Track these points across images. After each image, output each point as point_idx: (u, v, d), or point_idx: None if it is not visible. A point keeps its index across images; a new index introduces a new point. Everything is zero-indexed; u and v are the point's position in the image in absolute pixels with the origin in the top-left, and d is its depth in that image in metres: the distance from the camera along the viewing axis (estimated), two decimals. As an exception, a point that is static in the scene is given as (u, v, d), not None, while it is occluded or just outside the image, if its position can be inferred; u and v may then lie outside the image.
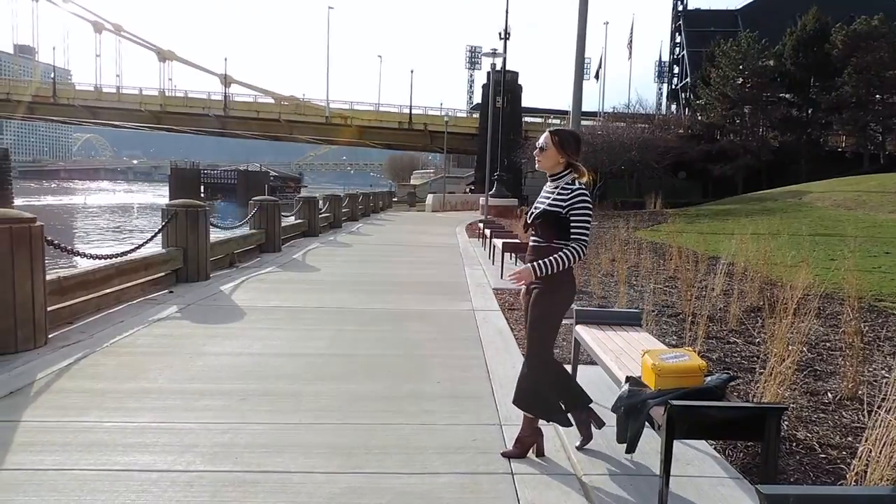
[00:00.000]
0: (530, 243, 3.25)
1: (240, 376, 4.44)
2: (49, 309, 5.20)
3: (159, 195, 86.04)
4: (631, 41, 71.19)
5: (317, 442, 3.36)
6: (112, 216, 47.72)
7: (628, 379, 2.87)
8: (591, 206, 3.13)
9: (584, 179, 3.22)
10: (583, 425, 3.34)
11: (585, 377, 4.42)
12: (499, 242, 10.36)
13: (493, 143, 25.88)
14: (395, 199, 43.37)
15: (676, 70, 76.12)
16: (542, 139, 3.22)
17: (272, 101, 61.89)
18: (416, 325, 6.20)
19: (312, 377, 4.49)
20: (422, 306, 7.16)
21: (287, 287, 8.36)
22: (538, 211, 3.17)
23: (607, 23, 58.31)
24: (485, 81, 49.20)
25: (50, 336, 5.18)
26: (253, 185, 66.46)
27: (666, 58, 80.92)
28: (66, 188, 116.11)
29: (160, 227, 8.10)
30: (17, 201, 58.86)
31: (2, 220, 4.72)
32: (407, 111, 58.09)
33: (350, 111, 59.41)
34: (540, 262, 3.08)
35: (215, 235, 9.55)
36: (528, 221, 3.24)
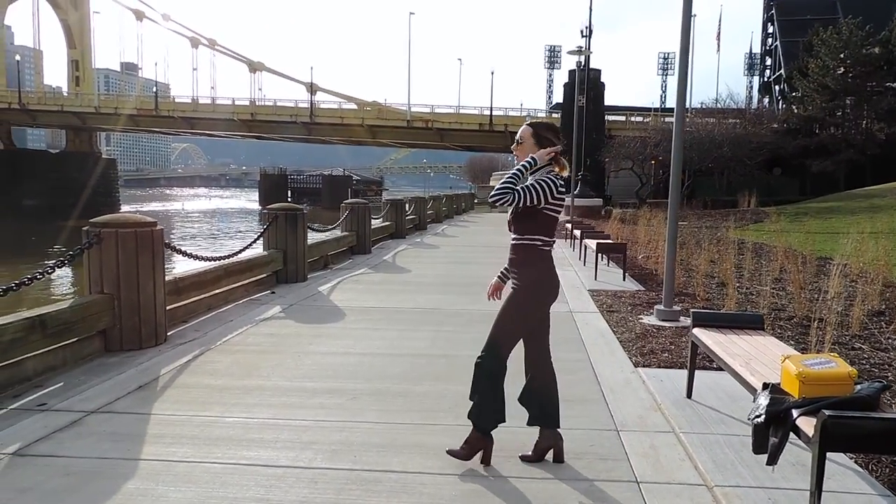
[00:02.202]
0: (511, 242, 3.16)
1: (348, 375, 4.52)
2: (167, 308, 5.48)
3: (250, 200, 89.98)
4: (719, 33, 68.30)
5: (431, 442, 3.35)
6: (210, 220, 50.27)
7: (766, 386, 2.68)
8: (552, 186, 2.98)
9: (565, 174, 3.11)
10: (476, 444, 3.11)
11: (700, 383, 4.22)
12: (592, 243, 10.10)
13: (576, 142, 25.37)
14: (476, 201, 43.38)
15: (769, 62, 72.31)
16: (519, 132, 3.15)
17: (355, 106, 63.33)
18: (514, 327, 6.11)
19: (417, 377, 4.51)
20: (517, 308, 7.06)
21: (381, 288, 8.49)
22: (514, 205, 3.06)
23: (694, 15, 55.91)
24: (566, 80, 48.31)
25: (168, 334, 5.47)
26: (337, 190, 68.33)
27: (757, 49, 77.13)
28: (166, 195, 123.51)
29: (262, 229, 8.40)
30: (124, 207, 63.12)
31: (128, 224, 5.00)
32: (487, 113, 57.87)
33: (430, 114, 59.85)
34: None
35: (311, 238, 9.83)
36: (509, 220, 3.15)
